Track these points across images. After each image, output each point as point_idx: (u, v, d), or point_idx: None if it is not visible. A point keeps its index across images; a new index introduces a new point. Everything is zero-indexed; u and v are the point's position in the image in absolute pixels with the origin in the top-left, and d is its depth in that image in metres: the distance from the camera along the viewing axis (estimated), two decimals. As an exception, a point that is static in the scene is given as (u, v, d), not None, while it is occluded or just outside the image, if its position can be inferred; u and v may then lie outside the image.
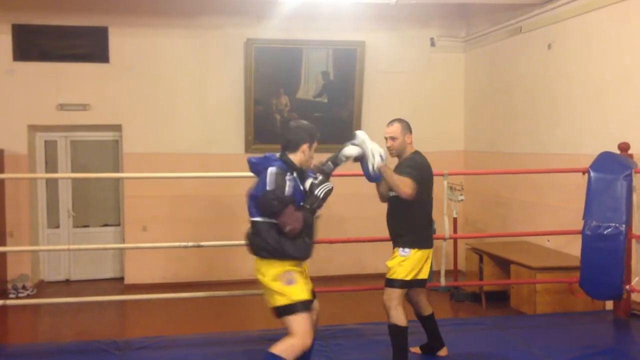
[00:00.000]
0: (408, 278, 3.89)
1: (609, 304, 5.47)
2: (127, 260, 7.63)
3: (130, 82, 7.51)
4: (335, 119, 7.90)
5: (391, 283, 3.93)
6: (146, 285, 7.27)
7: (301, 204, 3.39)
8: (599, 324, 5.18)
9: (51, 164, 7.72)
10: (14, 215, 7.26)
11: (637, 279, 5.02)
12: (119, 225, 7.89)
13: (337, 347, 4.55)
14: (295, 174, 3.42)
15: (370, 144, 3.72)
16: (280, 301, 3.35)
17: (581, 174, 5.20)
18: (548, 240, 6.46)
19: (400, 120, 4.10)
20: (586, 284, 5.01)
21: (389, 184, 3.84)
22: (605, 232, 4.85)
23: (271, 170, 3.31)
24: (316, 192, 3.39)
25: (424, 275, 3.97)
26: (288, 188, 3.30)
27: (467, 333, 4.82)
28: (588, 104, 5.95)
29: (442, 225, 5.24)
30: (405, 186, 3.77)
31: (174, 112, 7.64)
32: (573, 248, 5.59)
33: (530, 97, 6.90)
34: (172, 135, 7.62)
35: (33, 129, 7.53)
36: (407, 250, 3.91)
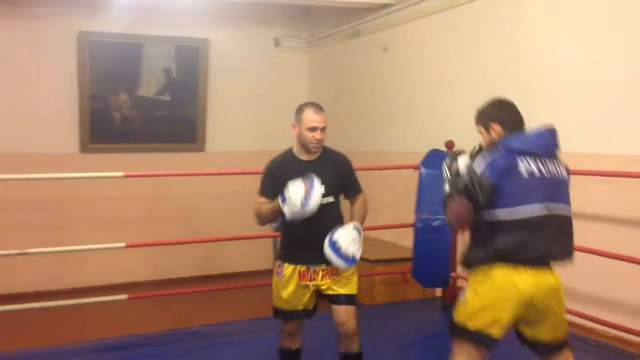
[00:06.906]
0: None
1: (438, 291, 5.91)
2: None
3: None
4: (179, 118, 7.71)
5: None
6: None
7: None
8: (430, 310, 5.58)
9: None
10: None
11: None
12: None
13: (177, 352, 4.45)
14: None
15: None
16: None
17: (413, 169, 5.54)
18: (385, 234, 6.81)
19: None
20: (418, 273, 5.35)
21: None
22: (434, 224, 5.19)
23: None
24: None
25: None
26: None
27: (309, 327, 4.91)
28: (420, 105, 6.36)
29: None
30: None
31: (-3, 108, 6.96)
32: (408, 240, 5.94)
33: (368, 97, 7.23)
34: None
35: None
36: None
